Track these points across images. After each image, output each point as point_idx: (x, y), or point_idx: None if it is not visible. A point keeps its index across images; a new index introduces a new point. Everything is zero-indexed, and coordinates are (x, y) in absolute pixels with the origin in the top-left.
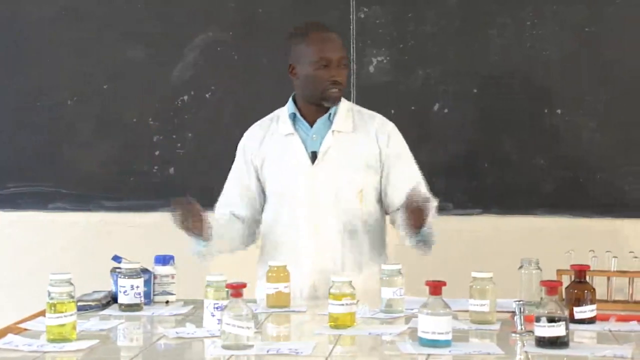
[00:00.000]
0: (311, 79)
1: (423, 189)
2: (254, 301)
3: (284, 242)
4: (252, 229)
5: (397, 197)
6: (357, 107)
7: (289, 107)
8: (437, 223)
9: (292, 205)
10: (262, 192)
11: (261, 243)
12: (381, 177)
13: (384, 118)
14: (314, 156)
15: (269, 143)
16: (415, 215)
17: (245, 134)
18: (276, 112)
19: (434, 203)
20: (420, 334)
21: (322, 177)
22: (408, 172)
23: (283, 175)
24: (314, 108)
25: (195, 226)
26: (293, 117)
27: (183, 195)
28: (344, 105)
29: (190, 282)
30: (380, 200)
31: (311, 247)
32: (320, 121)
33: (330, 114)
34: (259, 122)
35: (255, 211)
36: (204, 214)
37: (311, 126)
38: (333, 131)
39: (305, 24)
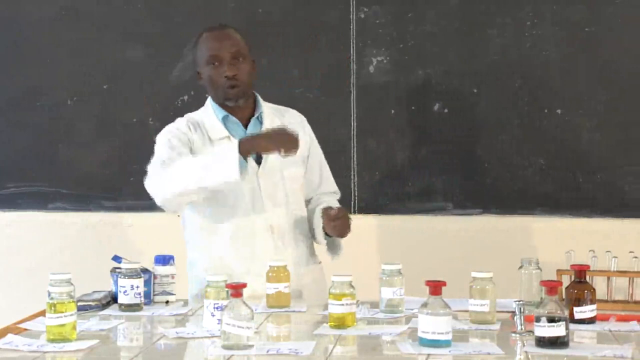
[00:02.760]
0: (208, 80)
1: (329, 184)
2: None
3: (238, 247)
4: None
5: (310, 189)
6: (272, 105)
7: (215, 111)
8: (437, 223)
9: (239, 210)
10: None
11: (193, 253)
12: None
13: (296, 111)
14: (257, 158)
15: (204, 148)
16: (339, 228)
17: (170, 126)
18: (189, 116)
19: (337, 196)
20: (420, 334)
21: (270, 177)
22: (317, 169)
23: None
24: (241, 109)
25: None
26: (224, 121)
27: None
28: (264, 103)
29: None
30: None
31: (269, 247)
32: (253, 123)
33: (259, 114)
34: (178, 122)
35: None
36: None
37: (245, 127)
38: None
39: (206, 28)
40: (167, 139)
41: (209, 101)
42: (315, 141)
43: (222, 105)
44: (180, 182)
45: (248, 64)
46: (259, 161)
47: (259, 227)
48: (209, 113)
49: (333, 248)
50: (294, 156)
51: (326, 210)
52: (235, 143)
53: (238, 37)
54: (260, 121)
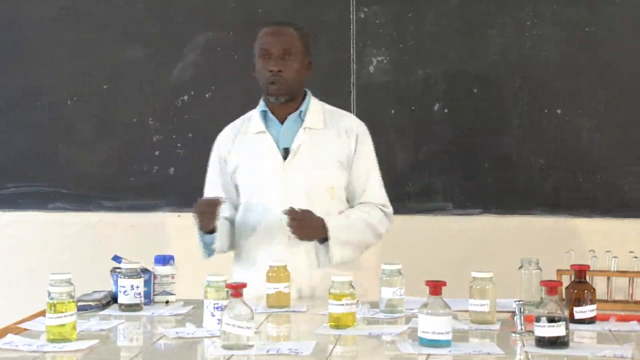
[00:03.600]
0: (257, 71)
1: (373, 195)
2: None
3: (257, 238)
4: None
5: (351, 198)
6: (329, 107)
7: (260, 106)
8: (437, 223)
9: (264, 203)
10: (237, 191)
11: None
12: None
13: (356, 118)
14: (286, 153)
15: (241, 142)
16: (298, 228)
17: (218, 136)
18: (249, 112)
19: (387, 210)
20: (420, 334)
21: (294, 173)
22: (362, 177)
23: (255, 172)
24: (283, 106)
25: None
26: (264, 115)
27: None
28: (315, 103)
29: (190, 282)
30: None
31: (284, 244)
32: (291, 118)
33: (301, 111)
34: (231, 123)
35: (235, 211)
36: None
37: (282, 124)
38: (304, 128)
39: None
40: (209, 169)
41: (262, 96)
42: (367, 152)
43: (267, 100)
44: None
45: (297, 62)
46: (286, 156)
47: (275, 222)
48: (256, 109)
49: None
50: (325, 157)
51: (291, 209)
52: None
53: (293, 35)
54: (301, 118)
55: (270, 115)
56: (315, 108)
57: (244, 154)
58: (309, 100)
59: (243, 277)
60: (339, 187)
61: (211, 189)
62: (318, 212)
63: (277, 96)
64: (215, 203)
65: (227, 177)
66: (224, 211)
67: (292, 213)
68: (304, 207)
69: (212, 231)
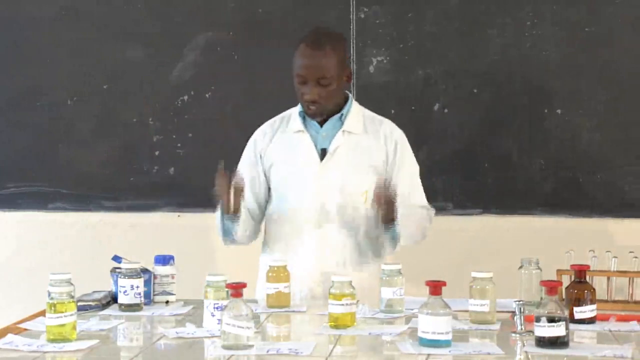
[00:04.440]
0: (296, 90)
1: (418, 197)
2: (255, 301)
3: (287, 236)
4: (258, 224)
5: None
6: (369, 112)
7: (299, 106)
8: (437, 223)
9: (297, 201)
10: (268, 187)
11: (264, 239)
12: None
13: (394, 125)
14: (323, 153)
15: (279, 140)
16: (384, 210)
17: (256, 131)
18: (288, 111)
19: (431, 212)
20: (420, 334)
21: (329, 174)
22: (407, 181)
23: (291, 171)
24: None
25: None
26: (303, 116)
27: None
28: (356, 107)
29: (190, 282)
30: None
31: (313, 242)
32: (332, 121)
33: (342, 114)
34: (270, 120)
35: (260, 206)
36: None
37: (321, 126)
38: (344, 131)
39: (311, 31)
40: (241, 161)
41: None
42: (409, 156)
43: None
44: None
45: (334, 84)
46: (323, 156)
47: (307, 221)
48: (297, 107)
49: (391, 239)
50: (361, 160)
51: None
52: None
53: (330, 57)
54: (342, 121)
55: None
56: (355, 112)
57: (281, 151)
58: (350, 104)
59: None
60: (372, 191)
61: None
62: (350, 216)
63: (313, 118)
64: (236, 179)
65: (258, 172)
66: (248, 202)
67: (382, 184)
68: (335, 210)
69: (234, 214)
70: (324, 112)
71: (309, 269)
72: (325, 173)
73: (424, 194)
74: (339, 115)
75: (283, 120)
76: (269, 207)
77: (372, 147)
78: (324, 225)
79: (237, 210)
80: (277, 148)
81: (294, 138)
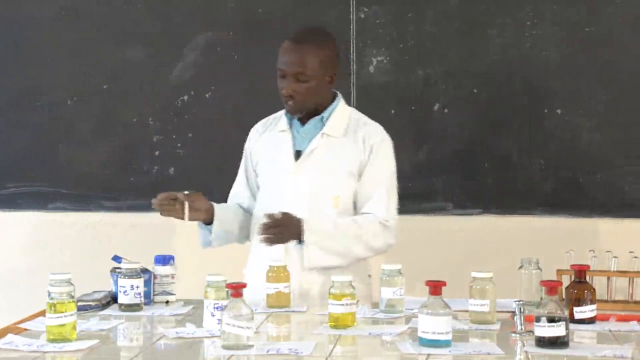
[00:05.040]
0: (278, 85)
1: (375, 207)
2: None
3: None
4: None
5: (357, 206)
6: (357, 114)
7: None
8: (437, 223)
9: (272, 201)
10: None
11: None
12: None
13: (378, 128)
14: (298, 155)
15: (266, 138)
16: (271, 234)
17: (252, 129)
18: (284, 110)
19: (388, 223)
20: (420, 334)
21: (300, 177)
22: (369, 188)
23: (271, 171)
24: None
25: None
26: (289, 116)
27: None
28: (341, 109)
29: (190, 282)
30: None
31: (283, 245)
32: (312, 122)
33: (322, 116)
34: (265, 118)
35: (255, 203)
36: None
37: (303, 126)
38: (322, 134)
39: (297, 30)
40: (242, 161)
41: None
42: (380, 162)
43: None
44: None
45: (312, 82)
46: (298, 157)
47: None
48: None
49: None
50: (335, 165)
51: (269, 215)
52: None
53: (310, 53)
54: (323, 123)
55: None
56: (339, 115)
57: (265, 151)
58: (335, 105)
59: (251, 271)
60: (345, 196)
61: (237, 181)
62: (322, 219)
63: (292, 115)
64: (170, 196)
65: (250, 173)
66: (243, 200)
67: (269, 218)
68: (306, 212)
69: (210, 222)
70: (302, 110)
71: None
72: (297, 175)
73: (389, 204)
74: (320, 117)
75: (274, 119)
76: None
77: (349, 151)
78: None
79: (206, 219)
80: (263, 147)
81: (278, 137)
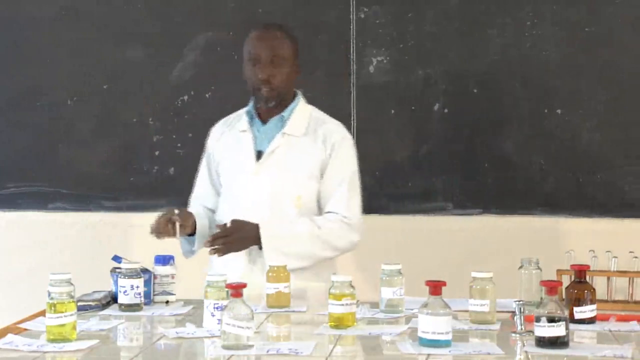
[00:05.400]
0: (246, 76)
1: (337, 206)
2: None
3: None
4: None
5: (320, 205)
6: (317, 113)
7: (249, 104)
8: (437, 223)
9: (233, 202)
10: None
11: None
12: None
13: (339, 127)
14: (259, 155)
15: (227, 138)
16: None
17: (212, 129)
18: (244, 108)
19: (350, 220)
20: (420, 334)
21: (261, 178)
22: (331, 186)
23: (230, 171)
24: (270, 107)
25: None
26: (251, 115)
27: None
28: (302, 108)
29: (190, 282)
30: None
31: (244, 254)
32: (273, 121)
33: (283, 115)
34: (225, 117)
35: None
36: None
37: (264, 124)
38: (283, 133)
39: (259, 24)
40: (202, 162)
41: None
42: (342, 160)
43: (255, 101)
44: None
45: (287, 67)
46: (259, 157)
47: None
48: (248, 106)
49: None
50: (296, 165)
51: (221, 226)
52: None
53: (283, 39)
54: (283, 122)
55: (254, 115)
56: (300, 113)
57: (226, 151)
58: (295, 104)
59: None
60: (307, 196)
61: (200, 181)
62: (283, 220)
63: (268, 101)
64: (166, 220)
65: (213, 170)
66: (208, 201)
67: (220, 228)
68: (267, 213)
69: (192, 233)
70: (276, 96)
71: (240, 271)
72: (258, 176)
73: (351, 201)
74: (280, 116)
75: (235, 118)
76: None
77: (310, 150)
78: None
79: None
80: (223, 147)
81: (239, 137)
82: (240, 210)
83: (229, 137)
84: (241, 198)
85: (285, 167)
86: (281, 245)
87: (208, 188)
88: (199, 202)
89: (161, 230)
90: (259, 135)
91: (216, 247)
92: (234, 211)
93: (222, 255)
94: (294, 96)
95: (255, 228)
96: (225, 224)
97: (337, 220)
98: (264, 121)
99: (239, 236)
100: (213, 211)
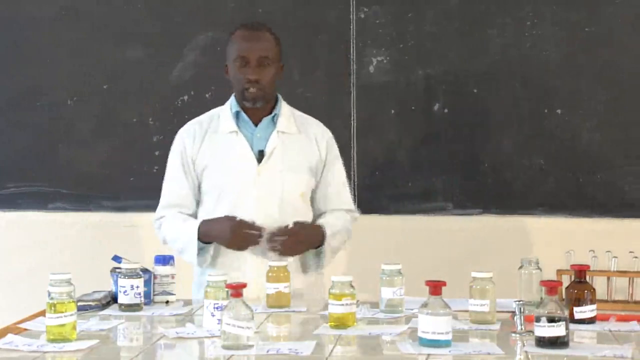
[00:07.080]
0: (233, 77)
1: (345, 199)
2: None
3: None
4: None
5: (322, 204)
6: (298, 112)
7: (232, 106)
8: (437, 223)
9: (237, 205)
10: (199, 190)
11: None
12: (316, 181)
13: (322, 125)
14: (260, 155)
15: (211, 141)
16: (282, 253)
17: (182, 132)
18: (215, 110)
19: (355, 214)
20: (420, 334)
21: (268, 177)
22: (337, 182)
23: (228, 174)
24: (257, 108)
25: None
26: (237, 115)
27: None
28: (286, 108)
29: (190, 282)
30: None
31: (256, 248)
32: (265, 121)
33: (275, 114)
34: (196, 119)
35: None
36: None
37: (255, 125)
38: (278, 132)
39: (242, 23)
40: (170, 165)
41: (233, 95)
42: (339, 158)
43: (240, 101)
44: (169, 244)
45: (274, 68)
46: (260, 158)
47: None
48: (227, 106)
49: (311, 264)
50: (298, 162)
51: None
52: (194, 229)
53: (270, 40)
54: (274, 122)
55: (243, 116)
56: (286, 113)
57: (214, 154)
58: (280, 104)
59: (201, 280)
60: (307, 192)
61: (177, 187)
62: (291, 217)
63: (255, 102)
64: (257, 229)
65: (192, 178)
66: (190, 208)
67: (284, 232)
68: (276, 211)
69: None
70: (264, 97)
71: (253, 273)
72: (264, 175)
73: (350, 195)
74: (271, 115)
75: (213, 120)
76: (200, 210)
77: (306, 148)
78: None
79: None
80: (209, 151)
81: (227, 139)
82: (244, 211)
83: (214, 140)
84: (247, 200)
85: (288, 165)
86: (333, 243)
87: (187, 193)
88: (176, 210)
89: (250, 241)
90: (253, 136)
91: (278, 247)
92: (235, 213)
93: (285, 256)
94: (276, 97)
95: (318, 227)
96: (286, 226)
97: (348, 215)
98: (254, 121)
99: (305, 234)
100: (192, 217)
